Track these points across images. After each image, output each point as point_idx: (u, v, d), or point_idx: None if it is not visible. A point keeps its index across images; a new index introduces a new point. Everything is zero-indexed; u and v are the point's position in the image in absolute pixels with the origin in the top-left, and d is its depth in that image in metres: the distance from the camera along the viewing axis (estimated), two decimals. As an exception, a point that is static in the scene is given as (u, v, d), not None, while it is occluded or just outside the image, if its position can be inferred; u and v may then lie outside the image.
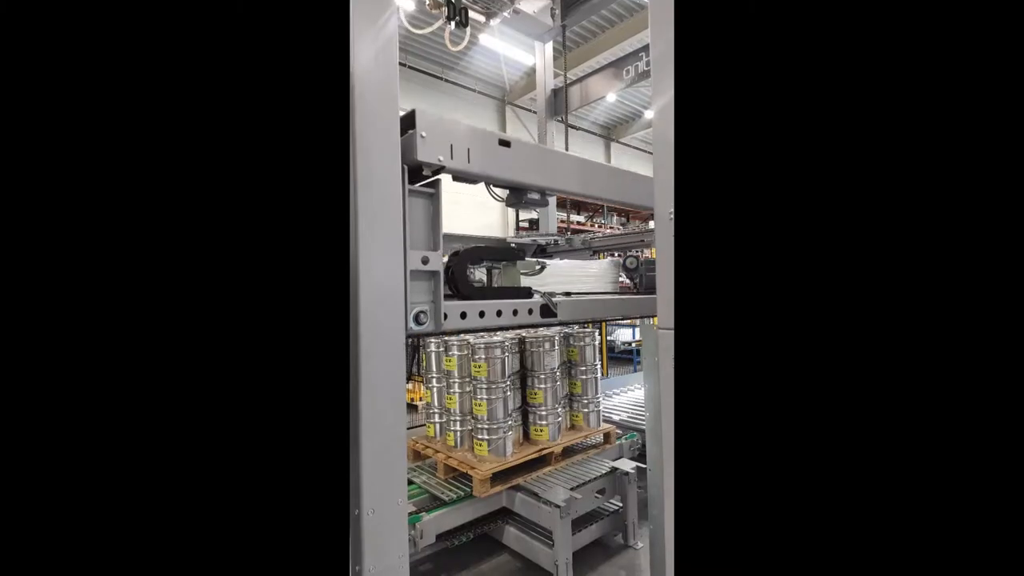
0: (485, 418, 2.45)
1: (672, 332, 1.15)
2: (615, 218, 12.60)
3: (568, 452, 2.74)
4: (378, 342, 1.21)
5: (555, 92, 4.30)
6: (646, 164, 15.52)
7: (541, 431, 2.64)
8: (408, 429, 3.47)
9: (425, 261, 1.46)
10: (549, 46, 4.15)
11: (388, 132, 1.26)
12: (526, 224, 10.87)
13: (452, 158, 1.54)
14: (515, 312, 1.78)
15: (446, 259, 1.68)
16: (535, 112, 4.37)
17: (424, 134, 1.45)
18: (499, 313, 1.72)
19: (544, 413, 2.64)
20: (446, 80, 10.14)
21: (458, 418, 2.58)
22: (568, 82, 4.08)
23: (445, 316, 1.52)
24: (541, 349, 2.61)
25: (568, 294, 2.37)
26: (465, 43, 3.02)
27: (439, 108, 9.81)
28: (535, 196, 1.99)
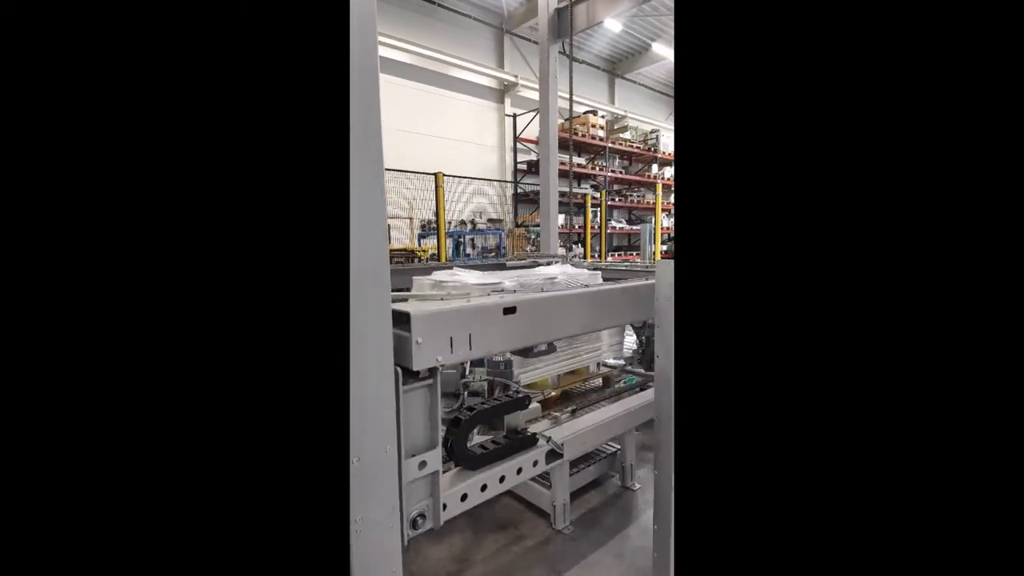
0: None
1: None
2: (617, 161, 12.17)
3: (566, 397, 2.69)
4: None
5: (559, 12, 3.91)
6: (655, 104, 14.82)
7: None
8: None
9: (423, 465, 1.29)
10: (553, -42, 3.73)
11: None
12: (524, 167, 10.48)
13: (452, 351, 1.32)
14: (519, 471, 1.62)
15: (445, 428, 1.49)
16: (535, 43, 4.01)
17: (420, 340, 1.23)
18: (502, 479, 1.56)
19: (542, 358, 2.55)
20: (440, 5, 9.38)
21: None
22: (573, 0, 3.69)
23: (444, 506, 1.36)
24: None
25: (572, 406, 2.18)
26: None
27: (432, 38, 9.15)
28: (543, 347, 1.82)
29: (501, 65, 10.48)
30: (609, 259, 9.19)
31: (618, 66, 13.04)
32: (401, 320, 1.23)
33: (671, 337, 1.52)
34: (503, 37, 10.45)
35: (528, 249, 8.65)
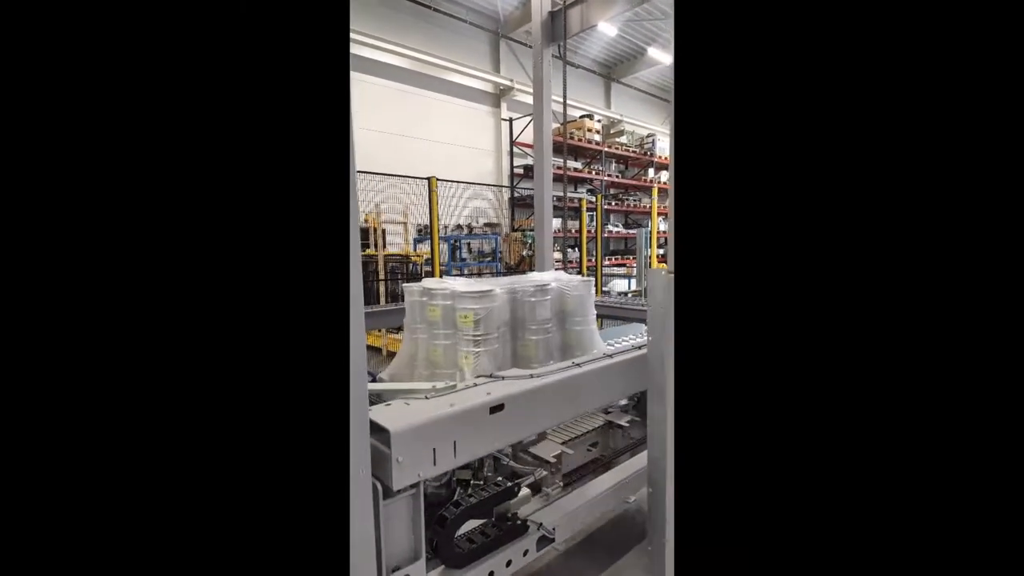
0: (472, 372, 2.30)
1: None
2: (613, 165, 12.16)
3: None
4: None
5: (552, 15, 3.88)
6: (651, 108, 14.82)
7: (532, 384, 2.51)
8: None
9: None
10: (546, -38, 3.70)
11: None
12: (520, 171, 10.44)
13: (435, 463, 1.25)
14: (508, 563, 1.53)
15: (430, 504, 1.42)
16: (531, 47, 3.96)
17: (400, 459, 1.16)
18: (491, 574, 1.48)
19: (536, 366, 2.49)
20: (436, 9, 9.37)
21: (444, 372, 2.43)
22: (568, 2, 3.66)
23: None
24: (533, 299, 2.43)
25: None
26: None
27: (429, 42, 9.13)
28: (532, 437, 1.81)
29: (497, 69, 10.47)
30: (604, 263, 9.15)
31: (614, 70, 13.05)
32: (378, 429, 1.16)
33: (667, 345, 1.47)
34: (499, 41, 10.45)
35: (525, 254, 8.60)
